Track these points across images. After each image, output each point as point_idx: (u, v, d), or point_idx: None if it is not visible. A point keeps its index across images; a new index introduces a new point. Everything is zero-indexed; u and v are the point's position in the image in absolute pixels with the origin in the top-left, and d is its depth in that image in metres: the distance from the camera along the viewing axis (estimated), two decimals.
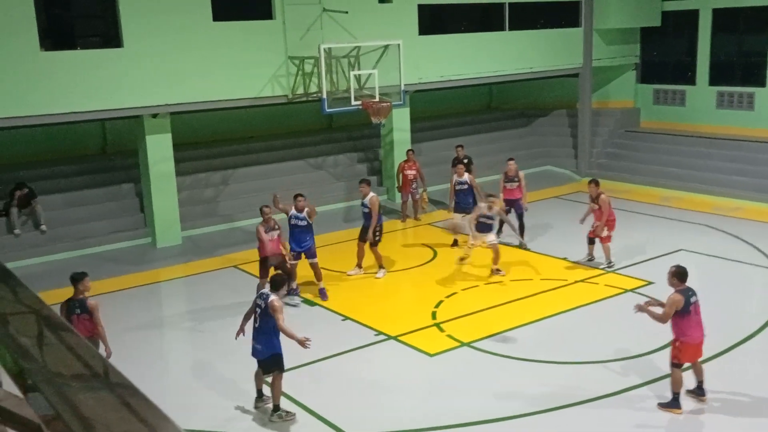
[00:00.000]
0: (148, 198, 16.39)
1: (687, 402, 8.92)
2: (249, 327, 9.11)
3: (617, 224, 14.06)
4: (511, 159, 15.91)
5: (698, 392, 8.95)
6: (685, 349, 8.65)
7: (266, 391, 9.28)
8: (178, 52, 15.44)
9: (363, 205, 13.82)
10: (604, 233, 13.83)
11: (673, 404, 8.79)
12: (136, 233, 16.76)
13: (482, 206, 13.69)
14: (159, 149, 16.06)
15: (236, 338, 9.25)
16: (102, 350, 8.85)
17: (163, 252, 16.08)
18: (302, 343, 8.64)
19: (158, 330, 12.42)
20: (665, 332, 11.07)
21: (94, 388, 1.66)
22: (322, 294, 12.91)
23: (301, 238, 12.65)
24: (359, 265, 14.15)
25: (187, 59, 15.57)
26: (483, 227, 13.54)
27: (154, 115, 15.74)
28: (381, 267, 14.01)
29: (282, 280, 9.13)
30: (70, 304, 9.13)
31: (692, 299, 8.64)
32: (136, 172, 17.16)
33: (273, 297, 8.73)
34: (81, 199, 17.00)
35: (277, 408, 8.94)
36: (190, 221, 17.20)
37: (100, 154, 19.17)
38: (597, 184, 13.93)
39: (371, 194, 13.73)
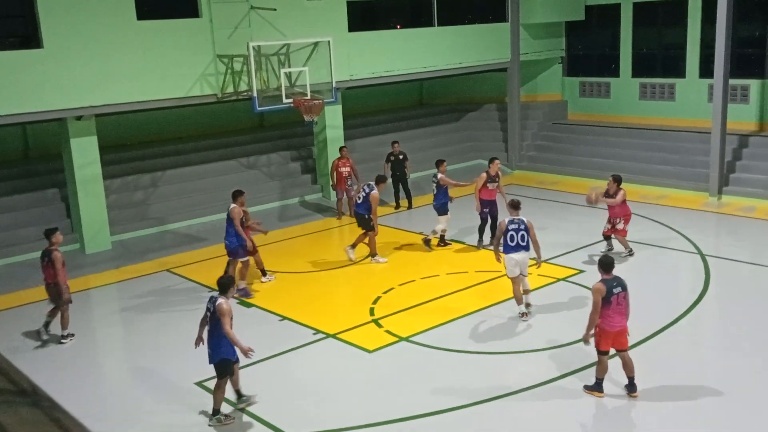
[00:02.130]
0: (75, 203, 15.93)
1: (613, 388, 9.17)
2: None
3: (558, 215, 14.36)
4: (495, 158, 15.19)
5: (629, 389, 9.10)
6: (605, 336, 8.87)
7: (245, 391, 9.22)
8: (101, 52, 15.04)
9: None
10: (620, 226, 13.94)
11: (596, 387, 9.10)
12: (64, 239, 16.20)
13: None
14: (84, 152, 15.62)
15: (196, 347, 9.04)
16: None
17: (93, 258, 15.66)
18: (245, 352, 8.61)
19: (92, 337, 12.08)
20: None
21: (16, 403, 1.61)
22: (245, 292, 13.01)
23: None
24: (353, 246, 14.56)
25: (112, 59, 15.17)
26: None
27: (78, 118, 15.30)
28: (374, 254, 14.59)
29: (228, 283, 8.93)
30: (43, 253, 11.36)
31: (615, 290, 8.83)
32: (61, 177, 16.66)
33: (221, 300, 8.61)
34: (4, 206, 16.40)
35: (216, 412, 8.84)
36: (119, 225, 16.80)
37: (22, 159, 18.55)
38: (619, 182, 13.97)
39: (374, 193, 14.41)
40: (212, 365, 8.80)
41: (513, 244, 11.32)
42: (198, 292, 13.38)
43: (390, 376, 9.97)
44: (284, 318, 12.02)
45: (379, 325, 11.56)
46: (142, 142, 19.96)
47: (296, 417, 9.01)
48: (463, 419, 8.79)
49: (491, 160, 15.15)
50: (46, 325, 11.55)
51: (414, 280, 13.46)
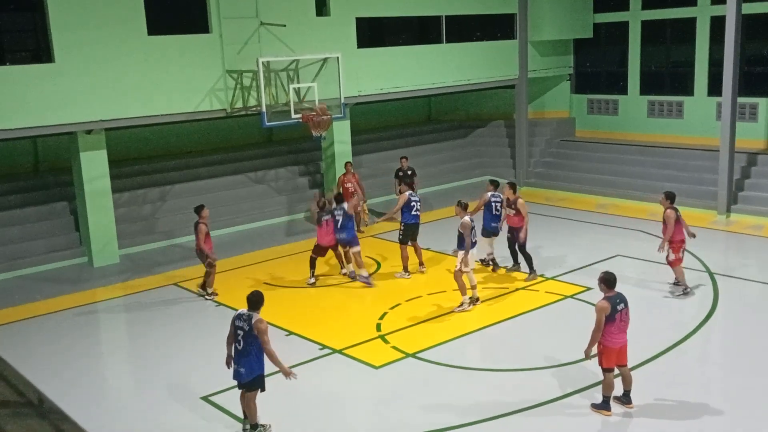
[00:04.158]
0: (84, 216, 16.00)
1: (618, 407, 9.12)
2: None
3: (566, 232, 14.07)
4: (509, 182, 14.50)
5: (624, 400, 9.13)
6: (607, 353, 8.81)
7: (260, 420, 9.00)
8: (112, 66, 15.15)
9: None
10: (671, 257, 12.68)
11: (603, 406, 9.03)
12: (73, 252, 16.33)
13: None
14: (94, 166, 15.71)
15: (228, 367, 8.75)
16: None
17: (101, 271, 15.71)
18: (287, 375, 8.51)
19: (100, 351, 12.10)
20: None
21: (24, 415, 1.62)
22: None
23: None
24: (406, 269, 14.52)
25: (122, 74, 15.29)
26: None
27: (89, 132, 15.40)
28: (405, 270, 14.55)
29: (260, 299, 8.59)
30: (194, 224, 13.41)
31: (619, 307, 8.76)
32: (70, 190, 16.75)
33: (257, 318, 8.41)
34: (14, 219, 16.49)
35: (255, 426, 8.77)
36: (128, 239, 16.85)
37: (32, 172, 18.66)
38: (672, 199, 12.65)
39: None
40: (245, 383, 8.57)
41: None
42: (205, 307, 13.40)
43: (396, 392, 9.94)
44: (291, 333, 12.00)
45: (386, 341, 11.53)
46: (151, 156, 20.06)
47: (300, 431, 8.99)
48: None
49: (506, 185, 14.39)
50: (201, 286, 13.82)
51: (421, 296, 13.43)
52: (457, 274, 12.39)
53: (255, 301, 8.55)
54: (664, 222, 12.64)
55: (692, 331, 11.45)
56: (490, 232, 14.35)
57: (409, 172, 17.99)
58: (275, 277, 14.85)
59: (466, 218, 12.43)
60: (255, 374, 8.54)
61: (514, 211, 13.83)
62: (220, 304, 13.47)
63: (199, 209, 13.49)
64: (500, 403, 9.35)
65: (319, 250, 14.31)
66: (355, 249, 14.15)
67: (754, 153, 19.50)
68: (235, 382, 8.71)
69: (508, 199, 14.00)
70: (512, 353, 11.01)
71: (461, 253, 12.35)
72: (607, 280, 8.87)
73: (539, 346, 11.15)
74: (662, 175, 20.24)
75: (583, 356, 9.08)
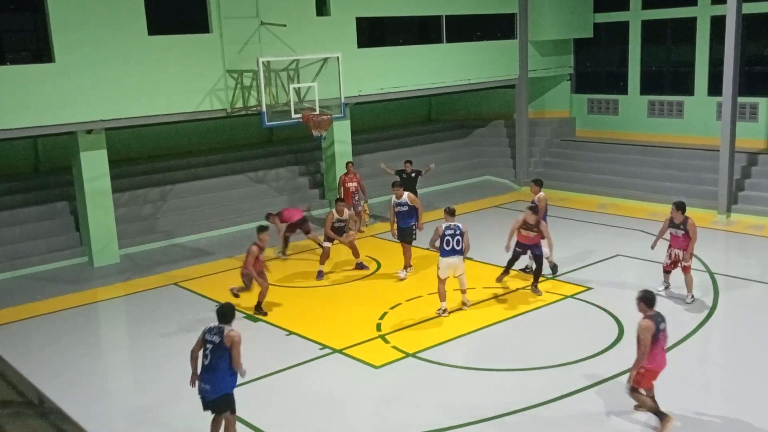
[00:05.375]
0: (84, 216, 16.01)
1: (614, 410, 9.12)
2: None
3: (567, 232, 13.97)
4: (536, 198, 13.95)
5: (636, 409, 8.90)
6: (649, 376, 8.39)
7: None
8: (112, 66, 15.16)
9: (400, 204, 14.51)
10: (688, 262, 12.40)
11: (662, 417, 8.46)
12: (73, 252, 16.34)
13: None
14: (94, 166, 15.72)
15: (192, 386, 8.13)
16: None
17: (101, 271, 15.72)
18: (242, 373, 8.03)
19: (100, 350, 12.11)
20: (603, 337, 11.34)
21: (24, 415, 1.62)
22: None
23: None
24: (408, 266, 14.65)
25: (123, 74, 15.30)
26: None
27: (89, 131, 15.41)
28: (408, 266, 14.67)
29: (230, 311, 8.07)
30: (260, 247, 12.44)
31: (661, 326, 8.35)
32: (70, 190, 16.76)
33: (230, 329, 7.89)
34: (14, 219, 16.49)
35: None
36: (128, 239, 16.86)
37: (32, 172, 18.66)
38: (683, 209, 12.34)
39: (406, 193, 14.62)
40: (211, 401, 7.97)
41: (449, 248, 12.15)
42: (206, 306, 13.40)
43: (396, 391, 9.94)
44: (291, 333, 12.01)
45: (386, 341, 11.54)
46: (152, 155, 20.06)
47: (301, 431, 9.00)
48: None
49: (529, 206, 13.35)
50: (257, 307, 12.81)
51: (421, 296, 13.43)
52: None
53: (225, 313, 8.02)
54: (687, 232, 12.21)
55: (692, 331, 11.45)
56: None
57: (413, 175, 17.80)
58: (276, 277, 14.85)
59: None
60: (222, 392, 7.89)
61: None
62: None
63: (259, 230, 12.63)
64: (500, 403, 9.35)
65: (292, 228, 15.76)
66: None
67: (754, 153, 19.49)
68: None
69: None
70: (512, 353, 11.02)
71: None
72: (647, 299, 8.37)
73: (539, 346, 11.16)
74: (662, 174, 20.24)
75: (629, 383, 8.46)
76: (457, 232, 12.19)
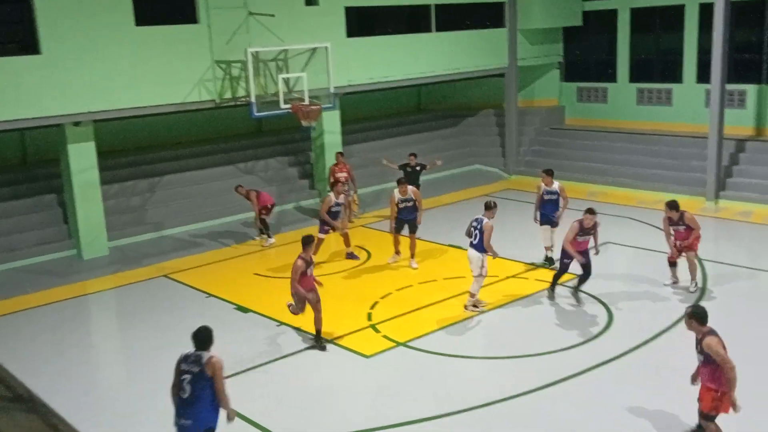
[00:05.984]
0: (72, 208, 15.92)
1: (614, 393, 9.16)
2: None
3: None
4: (590, 210, 12.24)
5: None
6: (726, 399, 7.51)
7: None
8: (99, 58, 15.05)
9: (406, 200, 14.45)
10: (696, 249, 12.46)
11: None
12: (62, 245, 16.26)
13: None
14: (82, 158, 15.62)
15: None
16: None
17: (90, 263, 15.65)
18: (232, 417, 7.25)
19: (89, 343, 12.07)
20: (593, 324, 11.40)
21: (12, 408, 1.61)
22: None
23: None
24: (398, 252, 14.80)
25: (110, 65, 15.19)
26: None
27: (77, 123, 15.31)
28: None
29: (208, 336, 7.16)
30: (306, 260, 10.76)
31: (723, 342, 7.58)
32: (59, 182, 16.66)
33: (209, 355, 7.02)
34: (2, 212, 16.39)
35: None
36: (117, 230, 16.79)
37: (20, 165, 18.54)
38: (677, 207, 12.25)
39: (410, 188, 14.65)
40: None
41: (471, 240, 11.92)
42: (195, 298, 13.38)
43: (388, 381, 9.97)
44: (282, 323, 12.01)
45: (377, 330, 11.56)
46: (140, 147, 19.96)
47: (294, 422, 9.00)
48: (459, 425, 8.78)
49: (587, 211, 12.26)
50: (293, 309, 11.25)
51: (411, 285, 13.45)
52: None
53: (203, 338, 7.10)
54: (689, 226, 12.28)
55: (681, 317, 11.46)
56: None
57: (418, 168, 17.63)
58: (266, 267, 14.85)
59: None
60: (205, 426, 7.04)
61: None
62: (210, 295, 13.45)
63: (305, 241, 10.92)
64: (491, 390, 9.39)
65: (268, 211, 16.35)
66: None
67: (742, 139, 19.58)
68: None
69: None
70: (502, 341, 11.06)
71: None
72: (699, 316, 7.59)
73: (529, 334, 11.20)
74: (651, 162, 20.32)
75: (734, 408, 7.53)
76: (478, 226, 11.76)
